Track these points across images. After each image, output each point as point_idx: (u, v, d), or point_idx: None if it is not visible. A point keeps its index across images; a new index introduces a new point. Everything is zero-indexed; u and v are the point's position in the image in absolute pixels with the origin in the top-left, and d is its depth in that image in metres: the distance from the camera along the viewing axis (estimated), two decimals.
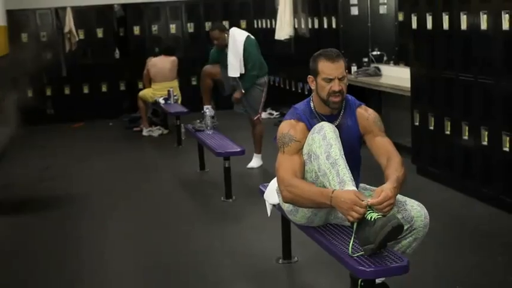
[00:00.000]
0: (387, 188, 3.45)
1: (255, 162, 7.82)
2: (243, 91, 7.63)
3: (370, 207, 3.41)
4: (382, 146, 3.84)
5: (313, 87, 3.86)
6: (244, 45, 7.59)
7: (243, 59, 7.59)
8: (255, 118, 7.80)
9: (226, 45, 7.71)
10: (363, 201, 3.38)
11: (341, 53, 3.83)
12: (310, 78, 3.86)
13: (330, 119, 3.84)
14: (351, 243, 3.46)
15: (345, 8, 8.85)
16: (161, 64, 10.55)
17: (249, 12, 12.76)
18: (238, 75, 7.66)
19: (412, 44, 7.07)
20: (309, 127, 3.79)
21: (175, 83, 10.63)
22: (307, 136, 3.75)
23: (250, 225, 5.76)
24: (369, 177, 4.13)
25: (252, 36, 7.78)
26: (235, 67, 7.65)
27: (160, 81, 10.48)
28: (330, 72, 3.73)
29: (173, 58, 10.68)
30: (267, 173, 7.26)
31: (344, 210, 3.41)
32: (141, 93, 10.69)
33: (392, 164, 3.68)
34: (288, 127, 3.82)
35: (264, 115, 11.47)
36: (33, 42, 11.83)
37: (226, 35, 7.74)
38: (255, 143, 7.84)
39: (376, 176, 4.04)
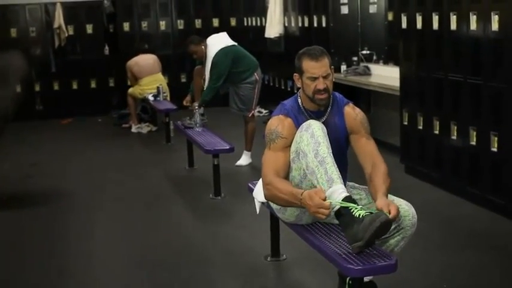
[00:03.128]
0: (389, 202, 3.46)
1: (244, 159, 7.82)
2: (197, 105, 7.75)
3: (358, 205, 3.43)
4: (368, 150, 3.85)
5: (299, 85, 3.88)
6: (212, 62, 7.62)
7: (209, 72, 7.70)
8: (249, 115, 7.82)
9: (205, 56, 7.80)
10: (325, 199, 3.40)
11: (329, 51, 3.86)
12: (296, 76, 3.88)
13: (317, 115, 3.86)
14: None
15: (335, 7, 8.87)
16: (143, 61, 10.60)
17: (239, 10, 12.76)
18: None
19: (401, 44, 7.09)
20: (296, 123, 3.80)
21: (161, 76, 10.65)
22: (293, 132, 3.76)
23: (239, 223, 5.77)
24: (357, 176, 4.13)
25: (229, 48, 7.72)
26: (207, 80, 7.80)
27: (147, 75, 10.48)
28: (313, 71, 3.75)
29: (153, 55, 10.75)
30: (256, 171, 7.26)
31: (312, 213, 3.45)
32: (130, 90, 10.68)
33: (380, 173, 3.68)
34: (276, 123, 3.84)
35: None
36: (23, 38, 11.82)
37: (203, 46, 7.79)
38: (246, 140, 7.85)
39: (363, 174, 4.05)
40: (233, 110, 7.88)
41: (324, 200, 3.38)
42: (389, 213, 3.37)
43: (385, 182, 3.62)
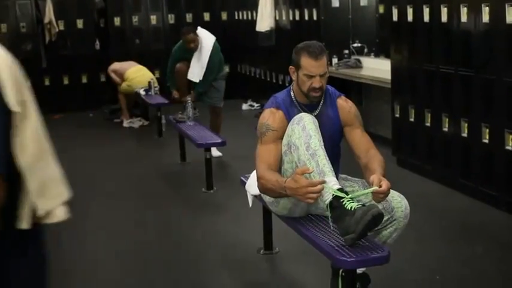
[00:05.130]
0: (383, 178, 3.45)
1: (216, 150, 7.75)
2: (191, 99, 7.80)
3: (350, 197, 3.43)
4: (364, 141, 3.87)
5: (294, 78, 3.87)
6: (210, 55, 7.70)
7: (206, 66, 7.76)
8: (221, 106, 8.04)
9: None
10: (308, 173, 3.38)
11: (323, 46, 3.83)
12: (291, 69, 3.87)
13: (310, 108, 3.86)
14: (330, 220, 3.48)
15: (326, 0, 8.87)
16: (121, 63, 10.67)
17: (230, 4, 12.73)
18: (198, 81, 7.87)
19: (392, 36, 7.11)
20: (287, 116, 3.80)
21: (142, 66, 10.65)
22: (285, 125, 3.77)
23: (232, 216, 5.78)
24: (349, 168, 4.14)
25: (216, 41, 7.92)
26: (196, 72, 7.87)
27: (129, 67, 10.51)
28: (312, 70, 3.74)
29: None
30: (248, 164, 7.22)
31: (303, 198, 3.38)
32: (120, 87, 10.63)
33: (377, 161, 3.69)
34: (267, 116, 3.84)
35: (244, 107, 11.52)
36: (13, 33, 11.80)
37: (198, 37, 7.87)
38: (216, 131, 7.79)
39: (356, 166, 4.05)
40: (209, 103, 8.01)
41: (309, 172, 3.38)
42: (380, 187, 3.37)
43: (381, 167, 3.63)
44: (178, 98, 8.23)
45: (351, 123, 3.91)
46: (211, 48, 7.72)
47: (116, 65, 10.66)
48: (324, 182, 3.37)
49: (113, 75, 10.65)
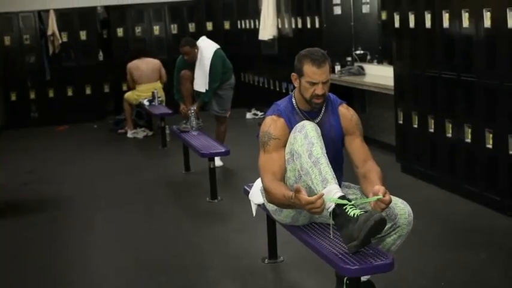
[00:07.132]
0: (385, 190, 3.46)
1: (218, 160, 7.71)
2: (196, 106, 7.89)
3: (353, 204, 3.43)
4: (363, 151, 3.87)
5: (296, 85, 3.88)
6: (211, 63, 7.76)
7: (208, 75, 7.80)
8: (228, 115, 8.07)
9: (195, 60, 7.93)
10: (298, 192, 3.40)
11: (325, 53, 3.83)
12: (293, 76, 3.87)
13: (312, 115, 3.86)
14: (331, 227, 3.52)
15: (328, 8, 8.87)
16: (144, 65, 10.56)
17: (232, 13, 12.77)
18: (204, 90, 7.89)
19: (395, 43, 7.10)
20: (289, 124, 3.81)
21: (159, 84, 10.61)
22: (286, 133, 3.78)
23: (236, 226, 5.77)
24: (352, 176, 4.13)
25: (220, 50, 7.93)
26: (200, 83, 7.91)
27: (145, 82, 10.48)
28: (314, 77, 3.74)
29: (157, 61, 10.71)
30: (252, 173, 7.24)
31: (310, 213, 3.45)
32: (126, 95, 10.67)
33: (375, 172, 3.72)
34: (269, 123, 3.84)
35: (248, 115, 11.53)
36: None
37: (196, 50, 7.91)
38: (221, 140, 7.80)
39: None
40: (213, 112, 8.00)
41: (299, 190, 3.40)
42: (384, 196, 3.38)
43: (380, 178, 3.64)
44: (185, 111, 8.20)
45: (351, 132, 3.90)
46: (211, 57, 7.75)
47: (135, 71, 10.51)
48: (322, 195, 3.37)
49: (128, 76, 10.63)
